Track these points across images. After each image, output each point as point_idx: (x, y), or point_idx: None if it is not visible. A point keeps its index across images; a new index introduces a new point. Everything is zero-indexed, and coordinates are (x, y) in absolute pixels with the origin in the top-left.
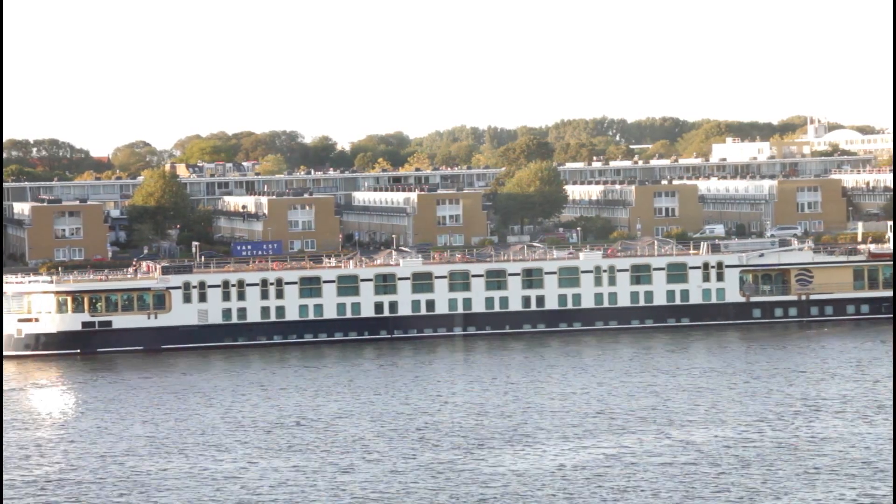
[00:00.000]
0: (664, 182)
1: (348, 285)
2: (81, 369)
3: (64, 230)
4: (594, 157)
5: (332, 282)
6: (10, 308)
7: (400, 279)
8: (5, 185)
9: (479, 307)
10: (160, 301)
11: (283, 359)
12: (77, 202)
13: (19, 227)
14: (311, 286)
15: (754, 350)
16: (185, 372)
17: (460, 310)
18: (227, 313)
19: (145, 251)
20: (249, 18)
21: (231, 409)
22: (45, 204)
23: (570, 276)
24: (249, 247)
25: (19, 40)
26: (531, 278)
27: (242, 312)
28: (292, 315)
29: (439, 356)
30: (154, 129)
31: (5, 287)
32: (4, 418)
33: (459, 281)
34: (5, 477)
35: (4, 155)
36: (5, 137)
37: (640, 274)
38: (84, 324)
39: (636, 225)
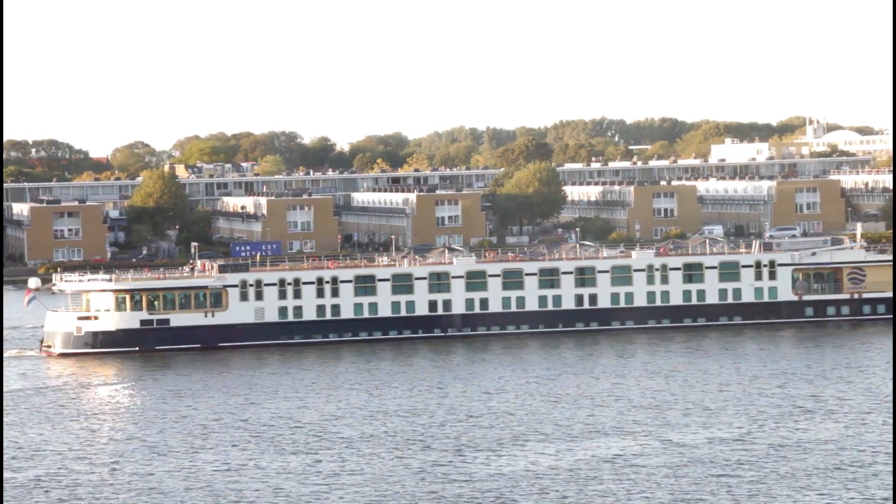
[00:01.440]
0: (663, 183)
1: (403, 283)
2: (140, 366)
3: (63, 231)
4: (593, 158)
5: (387, 280)
6: (68, 306)
7: (454, 277)
8: (4, 185)
9: (532, 305)
10: (217, 299)
11: (337, 357)
12: (76, 203)
13: (18, 227)
14: (365, 284)
15: (809, 349)
16: (242, 370)
17: (513, 308)
18: (283, 311)
19: (144, 252)
20: (248, 19)
21: (288, 406)
22: (44, 205)
23: (622, 275)
24: (248, 247)
25: (19, 40)
26: (584, 277)
27: (298, 311)
28: (347, 313)
29: (491, 355)
30: (153, 129)
31: (65, 285)
32: (67, 415)
33: (513, 279)
34: (68, 473)
35: (4, 155)
36: (4, 138)
37: (693, 272)
38: (142, 322)
39: (635, 226)
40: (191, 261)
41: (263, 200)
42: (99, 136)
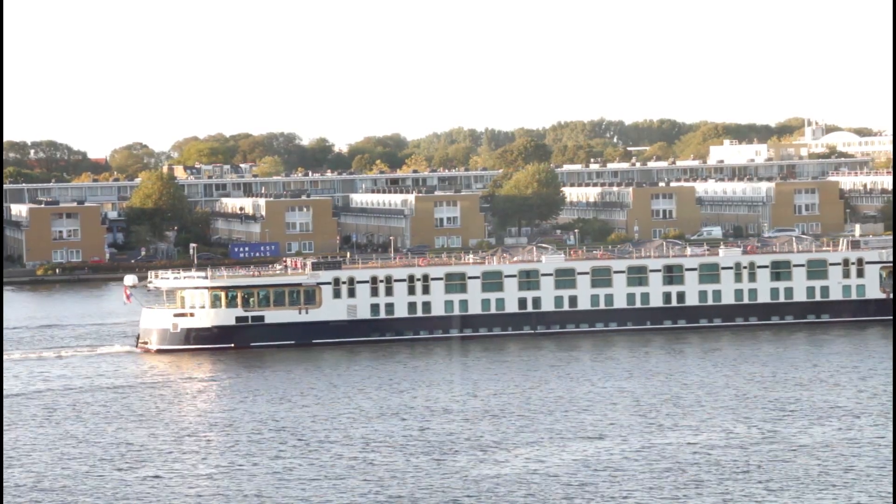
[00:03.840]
0: (661, 184)
1: (493, 281)
2: (236, 363)
3: (61, 232)
4: (592, 159)
5: (477, 278)
6: (163, 303)
7: (543, 275)
8: (3, 186)
9: (620, 303)
10: (310, 296)
11: (427, 354)
12: (74, 204)
13: (17, 228)
14: (456, 282)
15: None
16: (333, 366)
17: (602, 306)
18: (375, 308)
19: (143, 253)
20: (247, 20)
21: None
22: (42, 206)
23: (710, 273)
24: (247, 248)
25: (18, 41)
26: (672, 274)
27: (390, 308)
28: (438, 311)
29: (580, 352)
30: (152, 130)
31: (160, 282)
32: (159, 410)
33: (601, 277)
34: (161, 470)
35: (3, 157)
36: (3, 139)
37: (780, 270)
38: (238, 318)
39: (633, 227)
40: (283, 259)
41: (262, 201)
42: (97, 137)
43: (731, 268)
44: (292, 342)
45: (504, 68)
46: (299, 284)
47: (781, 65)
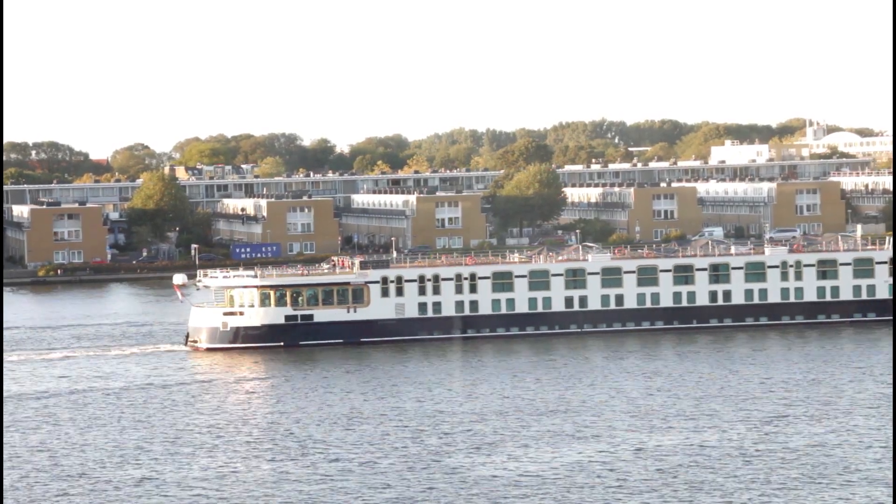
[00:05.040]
0: (663, 184)
1: (539, 280)
2: (288, 361)
3: (63, 233)
4: (593, 160)
5: (524, 276)
6: (213, 302)
7: (590, 274)
8: (4, 187)
9: (667, 302)
10: (358, 295)
11: (478, 353)
12: (76, 205)
13: (18, 229)
14: (503, 280)
15: None
16: (381, 364)
17: (648, 304)
18: (422, 307)
19: (144, 254)
20: (248, 21)
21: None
22: (44, 207)
23: (756, 272)
24: (248, 249)
25: (19, 42)
26: (718, 273)
27: (437, 307)
28: (485, 309)
29: (626, 352)
30: (153, 131)
31: (210, 281)
32: (208, 406)
33: (648, 276)
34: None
35: (4, 157)
36: (4, 140)
37: (826, 269)
38: (287, 317)
39: (635, 227)
40: (330, 257)
41: (263, 202)
42: (99, 138)
43: (777, 266)
44: (341, 341)
45: (505, 68)
46: (347, 283)
47: (782, 65)
